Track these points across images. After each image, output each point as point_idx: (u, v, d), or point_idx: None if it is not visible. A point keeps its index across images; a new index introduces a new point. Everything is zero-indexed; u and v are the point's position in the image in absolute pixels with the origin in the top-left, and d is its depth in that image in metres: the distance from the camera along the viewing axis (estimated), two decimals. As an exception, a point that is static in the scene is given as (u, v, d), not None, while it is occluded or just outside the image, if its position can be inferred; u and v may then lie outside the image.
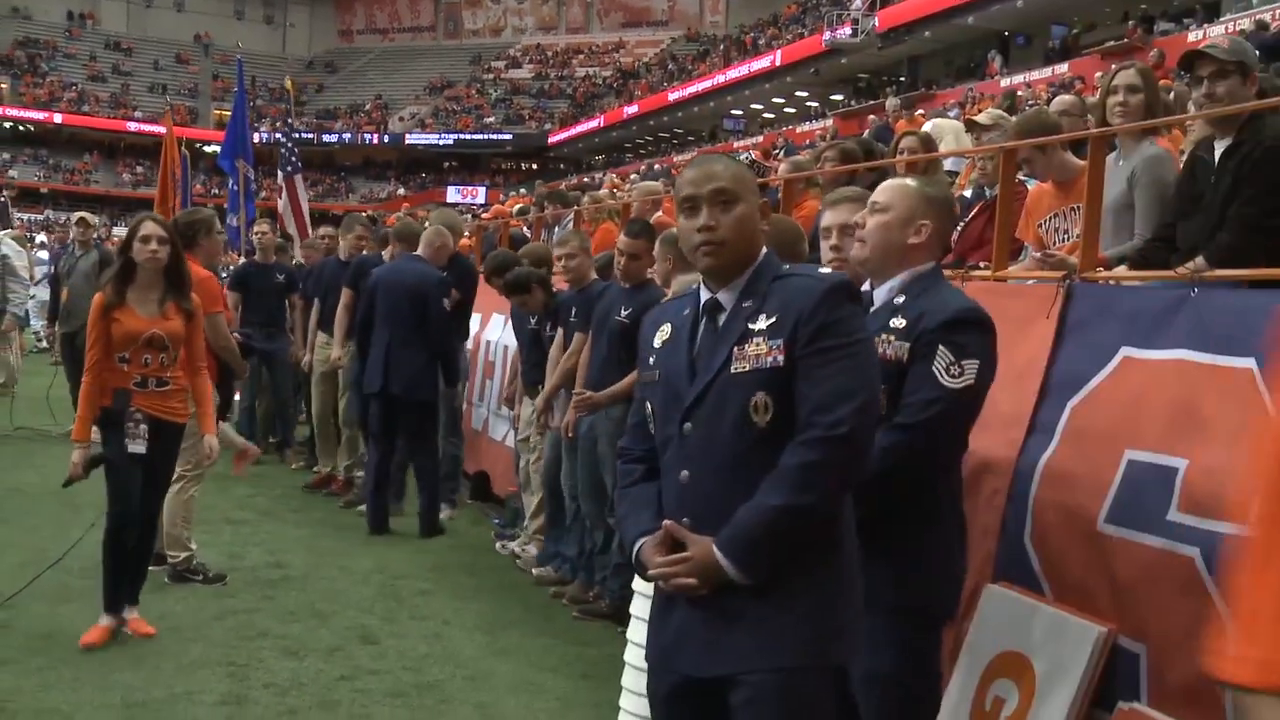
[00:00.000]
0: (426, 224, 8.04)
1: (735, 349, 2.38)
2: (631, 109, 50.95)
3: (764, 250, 2.48)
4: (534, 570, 6.43)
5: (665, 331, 2.56)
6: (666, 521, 2.43)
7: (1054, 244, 4.54)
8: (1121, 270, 4.02)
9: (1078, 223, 4.28)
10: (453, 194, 56.60)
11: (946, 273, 3.23)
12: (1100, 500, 3.28)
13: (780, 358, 2.32)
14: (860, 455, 2.32)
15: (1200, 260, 3.57)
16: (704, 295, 2.49)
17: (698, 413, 2.41)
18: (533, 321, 6.61)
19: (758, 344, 2.35)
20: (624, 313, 5.54)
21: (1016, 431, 3.63)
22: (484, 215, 19.47)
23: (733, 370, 2.37)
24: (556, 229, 9.72)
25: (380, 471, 7.43)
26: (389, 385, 7.22)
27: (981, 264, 4.79)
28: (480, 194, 54.93)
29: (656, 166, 32.88)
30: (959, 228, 5.33)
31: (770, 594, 2.31)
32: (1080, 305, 3.75)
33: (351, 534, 7.23)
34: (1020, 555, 3.55)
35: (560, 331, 6.21)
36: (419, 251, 7.59)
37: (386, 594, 5.92)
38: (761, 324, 2.36)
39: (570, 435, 5.81)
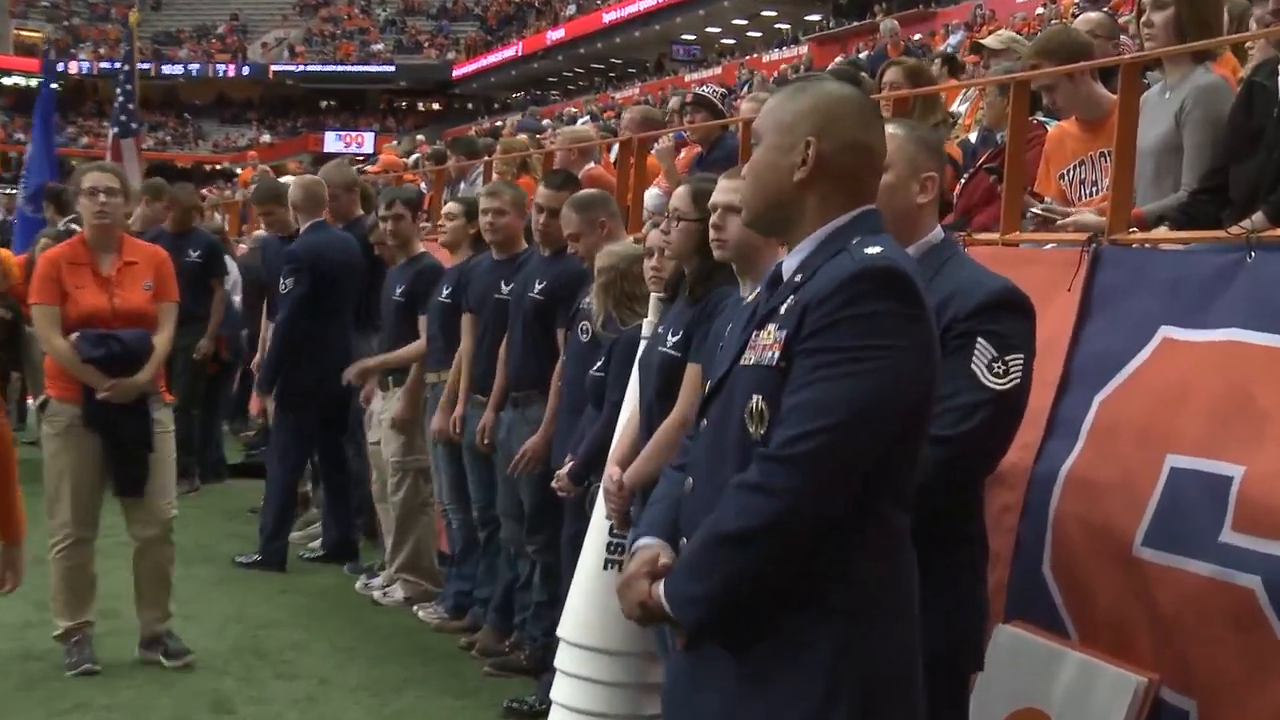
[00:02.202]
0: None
1: (754, 333, 2.35)
2: (556, 34, 50.92)
3: (860, 211, 2.37)
4: (419, 613, 6.49)
5: (752, 294, 2.56)
6: (645, 539, 2.47)
7: (1079, 198, 4.56)
8: (1162, 231, 4.04)
9: (1109, 170, 4.29)
10: (332, 141, 56.29)
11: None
12: (1136, 518, 3.29)
13: (777, 355, 2.27)
14: (815, 489, 2.20)
15: (1259, 216, 3.59)
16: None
17: (713, 408, 2.42)
18: (398, 293, 6.72)
19: (769, 332, 2.31)
20: (538, 287, 5.51)
21: (1032, 433, 3.61)
22: (371, 169, 19.33)
23: (742, 361, 2.35)
24: (462, 185, 9.69)
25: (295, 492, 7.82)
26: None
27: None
28: (367, 141, 54.69)
29: (593, 108, 32.85)
30: (962, 181, 5.36)
31: (721, 650, 2.33)
32: (1110, 274, 3.77)
33: (202, 571, 7.12)
34: (1038, 587, 3.56)
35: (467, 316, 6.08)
36: (320, 217, 7.68)
37: (246, 648, 5.87)
38: (786, 306, 2.32)
39: (486, 443, 5.80)
